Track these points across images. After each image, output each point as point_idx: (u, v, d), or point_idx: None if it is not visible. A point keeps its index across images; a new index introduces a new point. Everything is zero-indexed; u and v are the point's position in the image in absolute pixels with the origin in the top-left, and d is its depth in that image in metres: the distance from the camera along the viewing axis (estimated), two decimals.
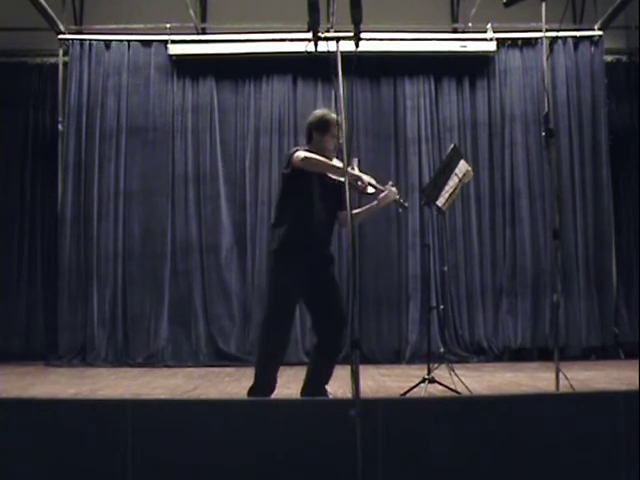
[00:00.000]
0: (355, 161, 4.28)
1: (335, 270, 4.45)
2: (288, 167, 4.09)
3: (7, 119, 8.20)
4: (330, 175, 4.09)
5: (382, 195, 4.13)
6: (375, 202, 4.19)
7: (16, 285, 7.99)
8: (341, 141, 4.22)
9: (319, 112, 4.35)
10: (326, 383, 4.11)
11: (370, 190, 4.09)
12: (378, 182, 4.18)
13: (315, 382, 4.08)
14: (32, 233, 8.17)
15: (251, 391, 3.97)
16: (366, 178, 4.07)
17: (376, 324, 7.82)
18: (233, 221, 8.00)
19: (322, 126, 4.20)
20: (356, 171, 4.14)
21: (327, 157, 4.10)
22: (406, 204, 4.43)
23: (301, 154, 4.01)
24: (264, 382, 3.99)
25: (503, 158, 8.08)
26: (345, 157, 3.34)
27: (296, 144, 6.87)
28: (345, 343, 4.03)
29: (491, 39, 7.98)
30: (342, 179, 4.06)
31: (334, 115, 4.26)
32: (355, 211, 4.27)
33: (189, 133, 8.06)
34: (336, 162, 4.11)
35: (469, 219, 8.02)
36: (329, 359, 4.12)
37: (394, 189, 4.18)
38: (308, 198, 4.08)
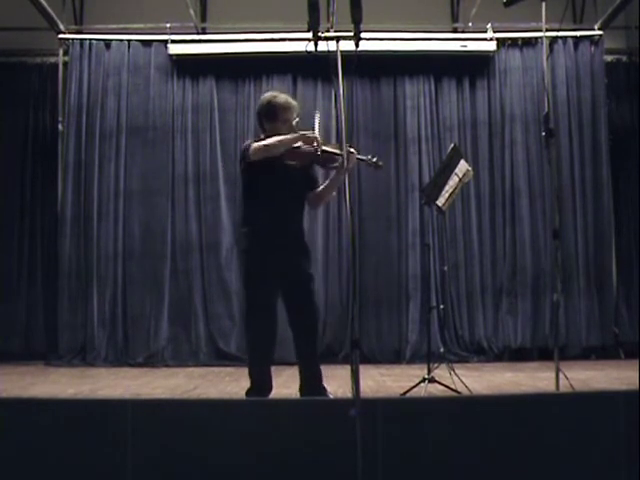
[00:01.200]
0: (317, 116, 3.96)
1: (310, 262, 4.14)
2: (243, 162, 3.93)
3: (7, 119, 8.19)
4: (290, 162, 3.88)
5: (343, 161, 3.62)
6: (336, 171, 3.88)
7: (16, 285, 7.97)
8: (295, 121, 3.99)
9: (266, 97, 4.09)
10: (320, 380, 3.99)
11: (334, 164, 3.82)
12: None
13: (308, 381, 3.99)
14: (32, 233, 8.15)
15: (248, 393, 3.95)
16: (316, 137, 3.79)
17: (376, 324, 7.81)
18: (233, 221, 7.97)
19: (270, 113, 4.00)
20: (316, 131, 3.87)
21: None
22: (380, 162, 4.05)
23: (252, 146, 3.86)
24: (259, 382, 3.95)
25: (503, 158, 8.07)
26: (345, 158, 3.34)
27: None
28: (320, 340, 3.93)
29: (491, 39, 7.97)
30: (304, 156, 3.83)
31: (283, 97, 4.06)
32: (319, 189, 4.10)
33: (189, 133, 8.05)
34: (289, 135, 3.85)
35: (469, 219, 8.01)
36: (308, 358, 4.00)
37: (352, 150, 3.83)
38: (271, 190, 3.91)
